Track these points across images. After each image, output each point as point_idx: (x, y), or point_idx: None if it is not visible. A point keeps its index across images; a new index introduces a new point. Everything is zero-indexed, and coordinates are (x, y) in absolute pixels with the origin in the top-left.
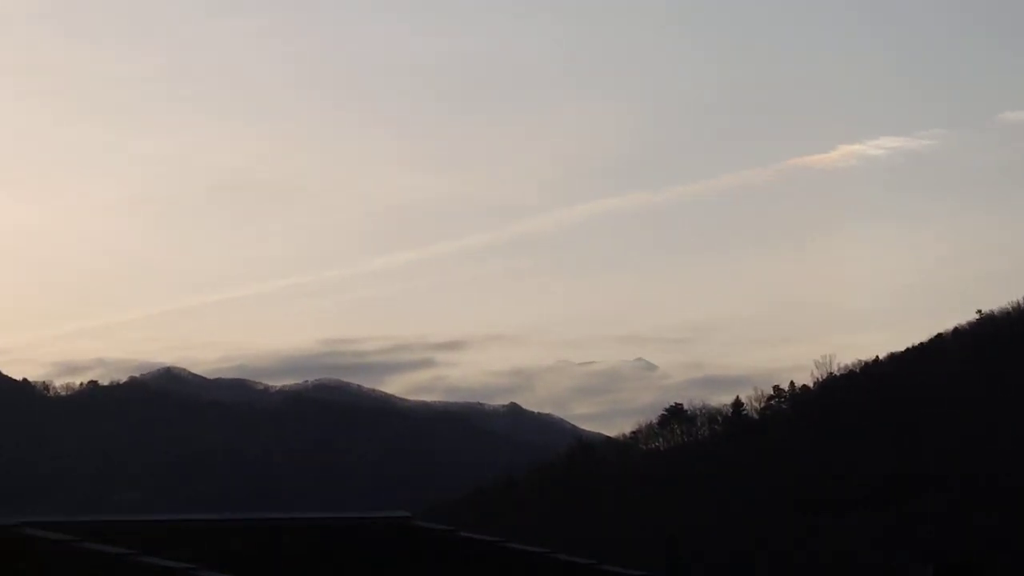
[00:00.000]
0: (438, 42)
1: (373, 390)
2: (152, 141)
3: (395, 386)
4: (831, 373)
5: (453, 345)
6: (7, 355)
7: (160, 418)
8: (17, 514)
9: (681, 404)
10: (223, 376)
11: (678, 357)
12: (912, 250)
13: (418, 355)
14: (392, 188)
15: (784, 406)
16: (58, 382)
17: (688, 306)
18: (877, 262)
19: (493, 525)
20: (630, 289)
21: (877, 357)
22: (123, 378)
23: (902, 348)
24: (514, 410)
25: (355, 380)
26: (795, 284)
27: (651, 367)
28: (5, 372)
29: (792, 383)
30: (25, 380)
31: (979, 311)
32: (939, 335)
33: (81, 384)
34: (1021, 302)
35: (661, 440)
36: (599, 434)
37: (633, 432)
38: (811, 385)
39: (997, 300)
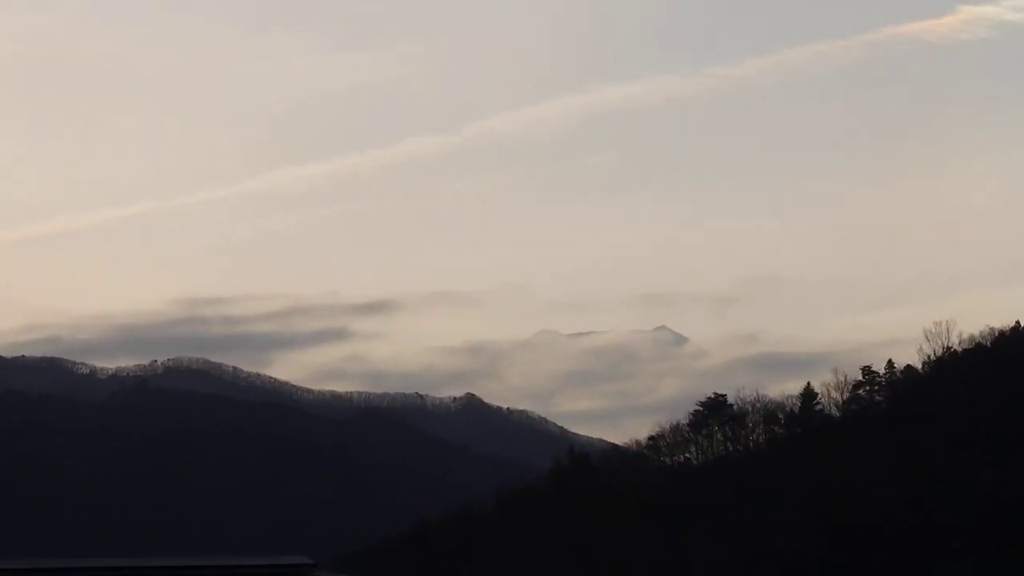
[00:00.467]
0: None
1: (256, 375)
2: None
3: (289, 370)
4: (949, 348)
5: (378, 307)
6: None
7: None
8: None
9: (724, 396)
10: (27, 354)
11: (719, 326)
12: None
13: (324, 322)
14: (290, 78)
15: (879, 397)
16: None
17: (734, 253)
18: (1018, 182)
19: None
20: (647, 228)
21: (1018, 324)
22: None
23: None
24: (472, 406)
25: (227, 360)
26: (891, 217)
27: (679, 340)
28: None
29: (890, 363)
30: None
31: None
32: None
33: None
34: None
35: (694, 449)
36: (601, 441)
37: (652, 437)
38: (919, 366)
39: None
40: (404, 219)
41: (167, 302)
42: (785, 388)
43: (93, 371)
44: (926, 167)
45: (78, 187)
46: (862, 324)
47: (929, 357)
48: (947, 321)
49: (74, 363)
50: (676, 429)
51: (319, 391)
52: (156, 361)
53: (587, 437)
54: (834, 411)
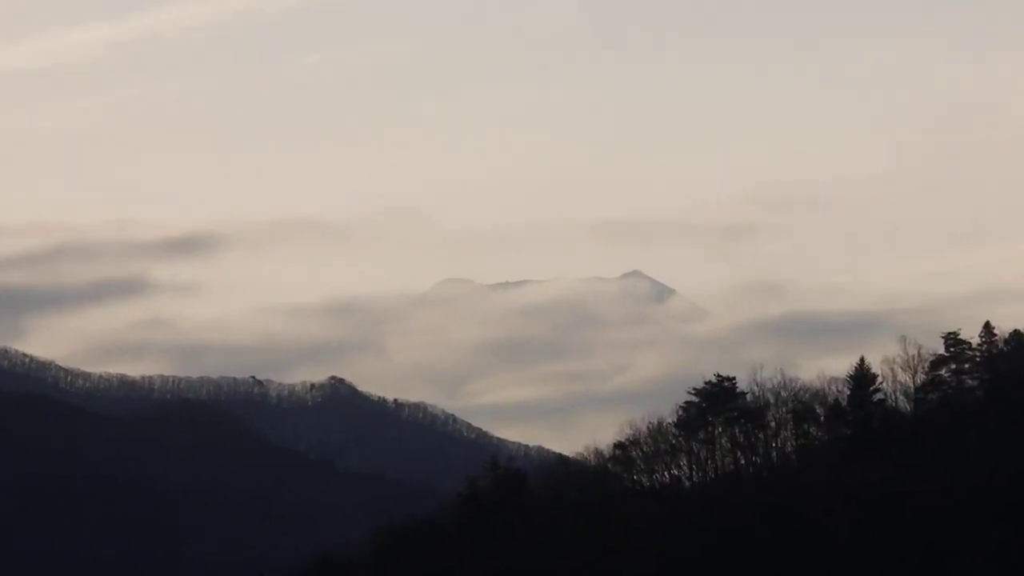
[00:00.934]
0: None
1: (3, 352)
2: None
3: (53, 344)
4: None
5: (190, 245)
6: None
7: None
8: None
9: (732, 379)
10: None
11: (721, 272)
12: None
13: (108, 269)
14: None
15: (972, 380)
16: None
17: (745, 158)
18: None
19: None
20: (609, 115)
21: None
22: None
23: None
24: (338, 398)
25: None
26: (989, 105)
27: (660, 293)
28: None
29: (988, 327)
30: None
31: None
32: None
33: None
34: None
35: (686, 461)
36: (540, 450)
37: (621, 444)
38: None
39: None
40: (229, 114)
41: None
42: (825, 366)
43: None
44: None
45: None
46: (942, 267)
47: None
48: None
49: None
50: (658, 431)
51: (100, 376)
52: None
53: (518, 444)
54: (902, 402)
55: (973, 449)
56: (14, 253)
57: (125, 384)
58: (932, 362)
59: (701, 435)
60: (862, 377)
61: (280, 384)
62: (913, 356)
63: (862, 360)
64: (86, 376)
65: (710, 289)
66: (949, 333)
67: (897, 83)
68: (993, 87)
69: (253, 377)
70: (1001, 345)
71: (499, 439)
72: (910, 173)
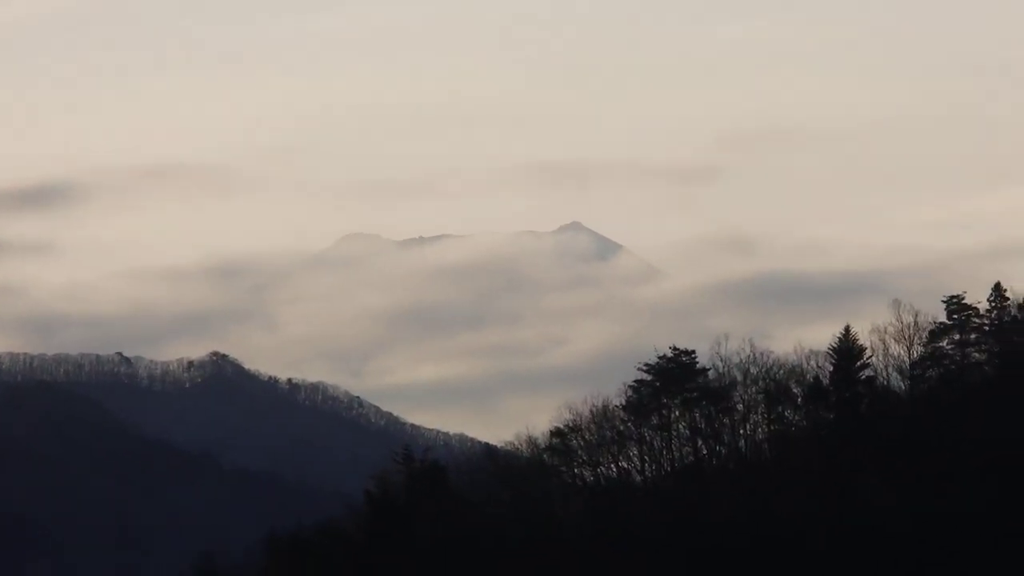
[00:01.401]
0: None
1: None
2: None
3: None
4: None
5: (40, 196)
6: None
7: None
8: None
9: (692, 353)
10: None
11: (679, 224)
12: None
13: None
14: None
15: (978, 354)
16: None
17: (710, 86)
18: None
19: None
20: (544, 27)
21: None
22: None
23: None
24: (220, 378)
25: None
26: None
27: (604, 249)
28: None
29: (999, 288)
30: None
31: None
32: None
33: None
34: None
35: (637, 451)
36: (462, 438)
37: (558, 431)
38: None
39: None
40: (81, 41)
41: None
42: (803, 337)
43: None
44: None
45: None
46: (943, 217)
47: None
48: None
49: None
50: (603, 415)
51: None
52: None
53: (436, 432)
54: (895, 380)
55: (980, 435)
56: None
57: None
58: (931, 332)
59: (655, 420)
60: (847, 350)
61: (152, 362)
62: (909, 325)
63: (847, 329)
64: None
65: (663, 244)
66: (952, 297)
67: None
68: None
69: (119, 354)
70: (1014, 311)
71: (413, 426)
72: (905, 105)
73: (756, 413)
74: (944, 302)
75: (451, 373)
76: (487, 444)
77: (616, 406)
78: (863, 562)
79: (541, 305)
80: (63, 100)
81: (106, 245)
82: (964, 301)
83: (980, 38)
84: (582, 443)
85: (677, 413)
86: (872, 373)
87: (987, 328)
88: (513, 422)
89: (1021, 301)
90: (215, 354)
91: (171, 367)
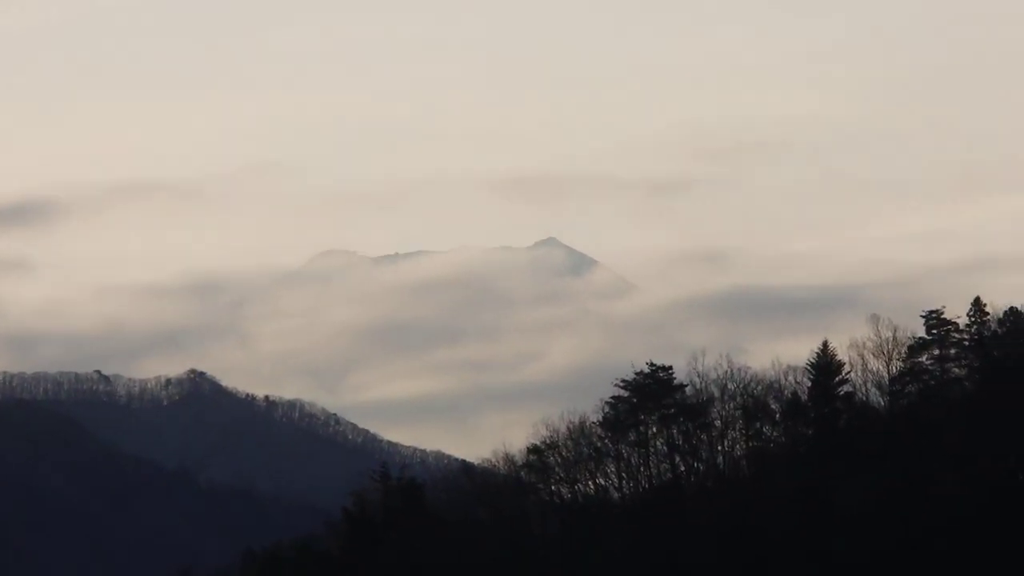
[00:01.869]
0: None
1: None
2: None
3: None
4: None
5: (20, 213)
6: None
7: None
8: None
9: (669, 368)
10: None
11: (652, 237)
12: None
13: None
14: None
15: (958, 369)
16: None
17: (677, 90)
18: None
19: None
20: (516, 54)
21: None
22: None
23: None
24: (197, 396)
25: None
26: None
27: (579, 263)
28: None
29: (979, 303)
30: None
31: None
32: None
33: None
34: None
35: (615, 468)
36: (439, 455)
37: (535, 448)
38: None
39: None
40: (58, 60)
41: None
42: (780, 352)
43: None
44: None
45: None
46: (921, 229)
47: None
48: None
49: None
50: (580, 432)
51: None
52: None
53: (413, 448)
54: (874, 396)
55: (960, 452)
56: None
57: None
58: (910, 347)
59: (632, 437)
60: (826, 365)
61: (130, 380)
62: (887, 340)
63: (825, 344)
64: None
65: (638, 259)
66: (931, 311)
67: None
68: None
69: (98, 372)
70: (994, 326)
71: (390, 443)
72: (883, 112)
73: (734, 429)
74: (923, 317)
75: (427, 389)
76: (464, 461)
77: (593, 422)
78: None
79: (516, 321)
80: (39, 118)
81: (82, 262)
82: (943, 316)
83: (956, 50)
84: (559, 460)
85: (654, 429)
86: (851, 389)
87: (967, 343)
88: (489, 438)
89: (1001, 316)
90: (192, 371)
91: (149, 384)
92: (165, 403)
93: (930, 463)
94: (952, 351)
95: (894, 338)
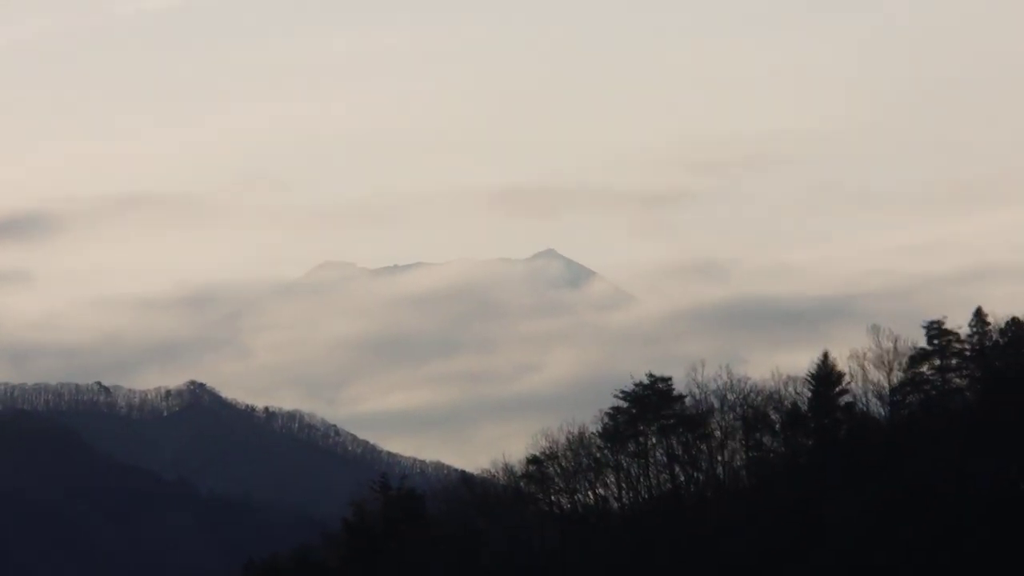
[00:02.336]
0: None
1: None
2: None
3: None
4: None
5: (19, 226)
6: None
7: None
8: None
9: (668, 380)
10: None
11: (651, 248)
12: None
13: None
14: None
15: (959, 380)
16: None
17: (672, 102)
18: None
19: None
20: (513, 66)
21: None
22: None
23: None
24: (197, 407)
25: None
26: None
27: (577, 275)
28: None
29: (980, 314)
30: None
31: None
32: None
33: None
34: None
35: (614, 479)
36: (438, 466)
37: (535, 459)
38: None
39: None
40: (55, 72)
41: None
42: (780, 363)
43: None
44: None
45: None
46: (921, 239)
47: None
48: None
49: None
50: (580, 442)
51: None
52: None
53: (412, 459)
54: (875, 406)
55: (962, 463)
56: None
57: None
58: (911, 357)
59: (631, 447)
60: (826, 376)
61: (130, 391)
62: (888, 350)
63: (826, 355)
64: None
65: (636, 270)
66: (932, 322)
67: (861, 5)
68: (987, 13)
69: (98, 383)
70: (995, 336)
71: (389, 454)
72: (880, 121)
73: (734, 440)
74: (924, 327)
75: (425, 400)
76: (463, 472)
77: (592, 433)
78: None
79: (514, 332)
80: (35, 131)
81: (80, 275)
82: (944, 326)
83: (955, 62)
84: (559, 470)
85: (654, 440)
86: (851, 399)
87: (968, 353)
88: (486, 449)
89: (1002, 326)
90: (192, 383)
91: (149, 396)
92: (165, 414)
93: (931, 474)
94: (953, 361)
95: (895, 348)
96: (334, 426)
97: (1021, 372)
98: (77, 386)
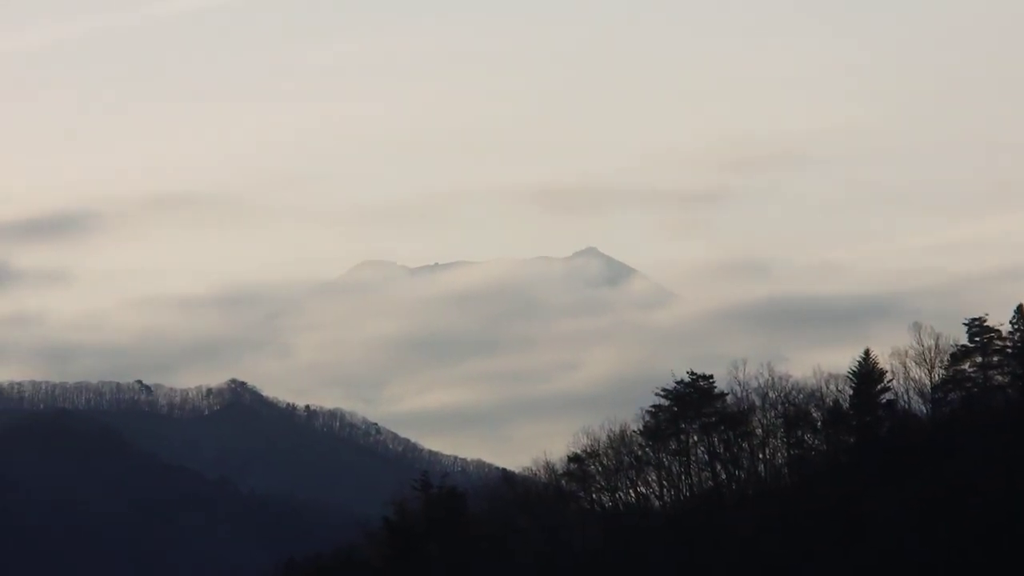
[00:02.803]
0: None
1: None
2: None
3: None
4: None
5: (58, 226)
6: None
7: None
8: None
9: (710, 377)
10: None
11: (691, 247)
12: None
13: None
14: None
15: (1000, 376)
16: None
17: (714, 101)
18: None
19: None
20: (554, 64)
21: None
22: None
23: None
24: (238, 406)
25: None
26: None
27: (617, 272)
28: None
29: (1020, 309)
30: None
31: None
32: None
33: None
34: None
35: (655, 476)
36: (479, 464)
37: (576, 456)
38: None
39: None
40: (94, 72)
41: None
42: (822, 361)
43: None
44: None
45: None
46: (963, 237)
47: None
48: None
49: None
50: (621, 440)
51: None
52: None
53: (453, 458)
54: (917, 404)
55: (1004, 460)
56: None
57: None
58: (953, 355)
59: (673, 445)
60: (867, 373)
61: (171, 389)
62: (930, 348)
63: (867, 353)
64: None
65: (677, 268)
66: (973, 319)
67: (904, 2)
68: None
69: (139, 382)
70: None
71: (430, 452)
72: (921, 119)
73: (775, 438)
74: (966, 324)
75: (465, 399)
76: (504, 470)
77: (633, 431)
78: None
79: (554, 330)
80: (76, 131)
81: (120, 274)
82: (986, 323)
83: (998, 60)
84: (600, 468)
85: (695, 438)
86: (893, 396)
87: (1010, 350)
88: (526, 448)
89: None
90: (233, 381)
91: (190, 394)
92: (206, 413)
93: (973, 471)
94: (995, 359)
95: (936, 346)
96: (375, 424)
97: None
98: (118, 385)
